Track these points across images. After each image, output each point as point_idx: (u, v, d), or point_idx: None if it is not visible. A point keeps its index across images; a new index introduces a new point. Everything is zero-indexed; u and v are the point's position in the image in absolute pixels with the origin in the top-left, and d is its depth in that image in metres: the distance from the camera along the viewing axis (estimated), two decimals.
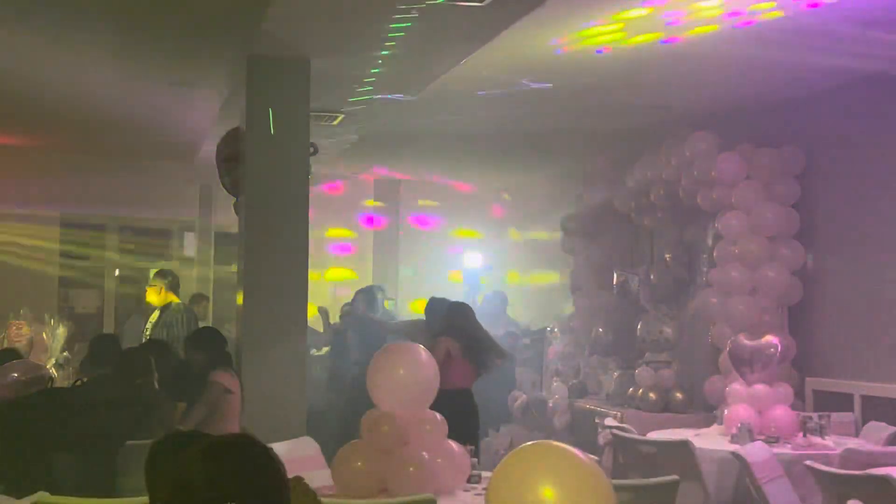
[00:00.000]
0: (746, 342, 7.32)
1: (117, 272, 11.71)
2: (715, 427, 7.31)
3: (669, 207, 8.75)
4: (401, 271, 12.46)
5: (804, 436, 6.75)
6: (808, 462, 5.71)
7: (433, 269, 12.28)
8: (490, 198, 12.68)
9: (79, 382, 5.97)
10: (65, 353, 7.89)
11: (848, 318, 7.58)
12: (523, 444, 2.72)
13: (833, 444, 6.52)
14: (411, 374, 4.81)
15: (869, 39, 6.42)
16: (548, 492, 2.44)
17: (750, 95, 8.07)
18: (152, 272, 9.03)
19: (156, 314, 8.47)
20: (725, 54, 6.91)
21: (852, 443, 6.46)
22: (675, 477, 5.06)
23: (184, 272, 12.01)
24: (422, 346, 5.04)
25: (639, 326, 9.05)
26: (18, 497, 4.21)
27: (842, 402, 7.39)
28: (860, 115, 7.55)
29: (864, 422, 6.98)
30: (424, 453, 4.60)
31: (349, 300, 9.85)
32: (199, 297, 10.69)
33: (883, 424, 6.66)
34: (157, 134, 9.91)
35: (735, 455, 6.26)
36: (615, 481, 3.53)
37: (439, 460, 4.66)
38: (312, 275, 6.57)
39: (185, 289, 11.85)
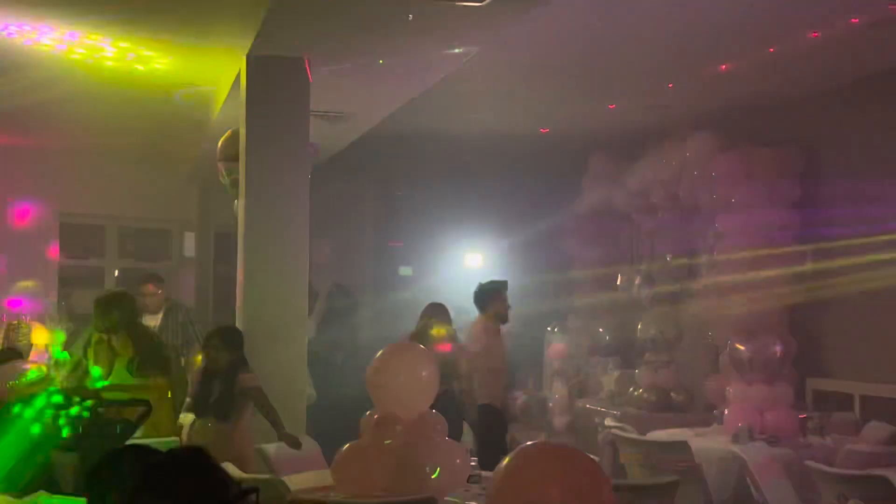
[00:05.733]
0: (746, 342, 7.33)
1: (117, 272, 11.69)
2: (715, 427, 7.31)
3: (669, 207, 8.75)
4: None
5: (804, 436, 6.75)
6: (808, 462, 5.71)
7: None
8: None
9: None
10: (64, 354, 7.87)
11: (848, 318, 7.58)
12: (523, 444, 2.72)
13: (833, 444, 6.52)
14: (412, 374, 4.81)
15: (870, 39, 6.42)
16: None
17: (750, 95, 8.07)
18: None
19: (159, 316, 8.41)
20: (725, 54, 6.92)
21: (852, 443, 6.46)
22: (675, 477, 5.07)
23: (183, 272, 12.05)
24: (422, 346, 5.04)
25: (639, 326, 9.05)
26: (18, 497, 4.20)
27: (842, 402, 7.40)
28: (860, 114, 7.55)
29: (864, 422, 6.97)
30: (424, 453, 4.61)
31: None
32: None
33: (883, 424, 6.66)
34: (157, 133, 9.91)
35: (735, 455, 6.27)
36: (615, 481, 3.54)
37: (439, 460, 4.66)
38: None
39: (185, 289, 11.88)
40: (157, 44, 6.75)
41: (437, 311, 7.64)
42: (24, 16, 6.31)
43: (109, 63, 7.31)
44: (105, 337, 6.29)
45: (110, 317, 6.29)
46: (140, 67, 7.43)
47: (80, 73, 7.59)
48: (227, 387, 5.91)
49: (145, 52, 7.01)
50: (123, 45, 6.82)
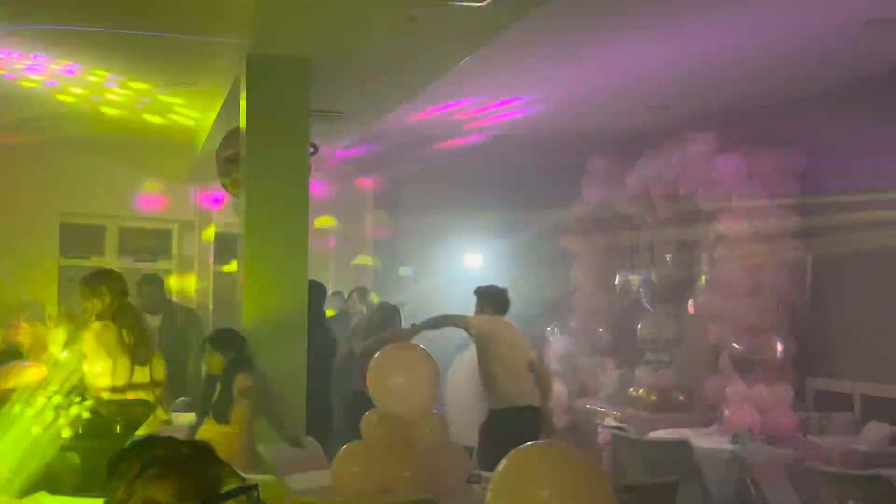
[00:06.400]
0: (746, 342, 7.33)
1: None
2: (715, 427, 7.32)
3: (669, 207, 8.75)
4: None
5: (804, 436, 6.75)
6: (808, 462, 5.71)
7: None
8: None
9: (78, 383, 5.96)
10: (64, 354, 7.86)
11: (848, 318, 7.58)
12: (523, 444, 2.72)
13: (833, 444, 6.52)
14: (412, 374, 4.80)
15: (870, 39, 6.42)
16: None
17: (750, 95, 8.07)
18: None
19: (159, 317, 8.40)
20: (726, 54, 6.91)
21: (852, 443, 6.46)
22: (675, 477, 5.07)
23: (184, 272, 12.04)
24: (421, 346, 5.05)
25: (639, 326, 9.05)
26: (18, 497, 4.21)
27: (842, 402, 7.39)
28: (860, 115, 7.55)
29: (865, 422, 6.98)
30: (424, 453, 4.60)
31: None
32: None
33: (883, 424, 6.67)
34: (157, 133, 9.91)
35: (735, 455, 6.27)
36: (615, 481, 3.54)
37: (439, 460, 4.66)
38: None
39: (186, 289, 11.88)
40: (157, 44, 6.75)
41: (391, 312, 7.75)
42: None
43: (110, 62, 7.33)
44: (112, 325, 5.94)
45: (102, 299, 5.96)
46: (140, 68, 7.44)
47: (80, 75, 7.60)
48: (225, 389, 5.90)
49: (145, 52, 7.01)
50: (123, 45, 6.83)
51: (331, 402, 7.23)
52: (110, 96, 8.44)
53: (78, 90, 8.11)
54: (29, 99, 8.45)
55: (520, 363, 7.33)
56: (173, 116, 9.12)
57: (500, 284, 7.82)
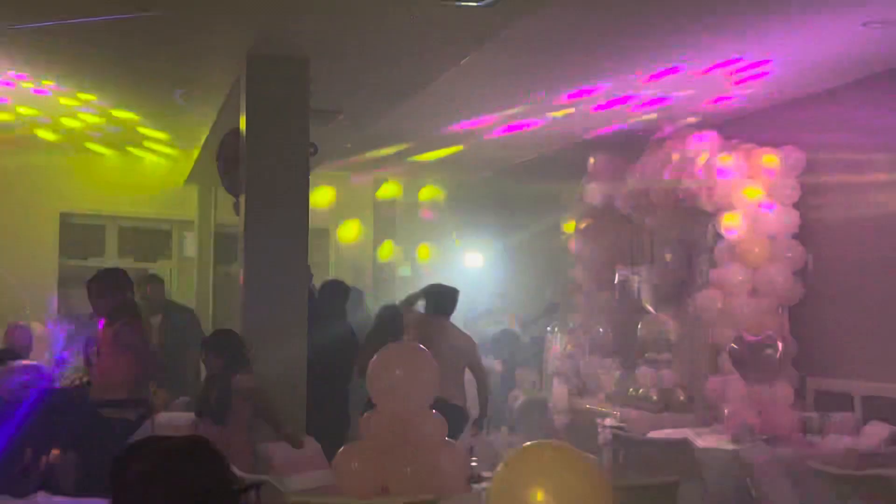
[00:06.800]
0: (746, 342, 7.33)
1: None
2: (715, 427, 7.32)
3: (669, 207, 8.74)
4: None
5: (804, 436, 6.75)
6: (808, 462, 5.71)
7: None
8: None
9: (79, 382, 5.98)
10: (66, 353, 7.88)
11: (848, 318, 7.58)
12: (523, 444, 2.72)
13: (833, 444, 6.52)
14: (411, 374, 4.81)
15: (869, 39, 6.43)
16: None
17: (750, 95, 8.07)
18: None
19: (159, 317, 8.43)
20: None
21: (852, 443, 6.46)
22: (675, 477, 5.06)
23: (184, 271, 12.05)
24: (421, 346, 5.05)
25: (639, 326, 9.05)
26: (18, 497, 4.21)
27: (842, 402, 7.39)
28: (860, 115, 7.55)
29: (865, 422, 6.97)
30: (424, 453, 4.61)
31: None
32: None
33: (883, 424, 6.66)
34: (157, 133, 9.92)
35: (735, 455, 6.27)
36: (615, 481, 3.54)
37: (439, 460, 4.66)
38: None
39: (186, 289, 11.89)
40: (156, 44, 6.75)
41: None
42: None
43: (105, 65, 7.32)
44: (133, 323, 6.01)
45: (113, 298, 6.02)
46: (140, 69, 7.43)
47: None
48: (222, 389, 5.90)
49: (145, 52, 7.01)
50: (122, 45, 6.83)
51: (349, 401, 7.24)
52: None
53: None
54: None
55: (444, 365, 7.39)
56: (173, 115, 9.11)
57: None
